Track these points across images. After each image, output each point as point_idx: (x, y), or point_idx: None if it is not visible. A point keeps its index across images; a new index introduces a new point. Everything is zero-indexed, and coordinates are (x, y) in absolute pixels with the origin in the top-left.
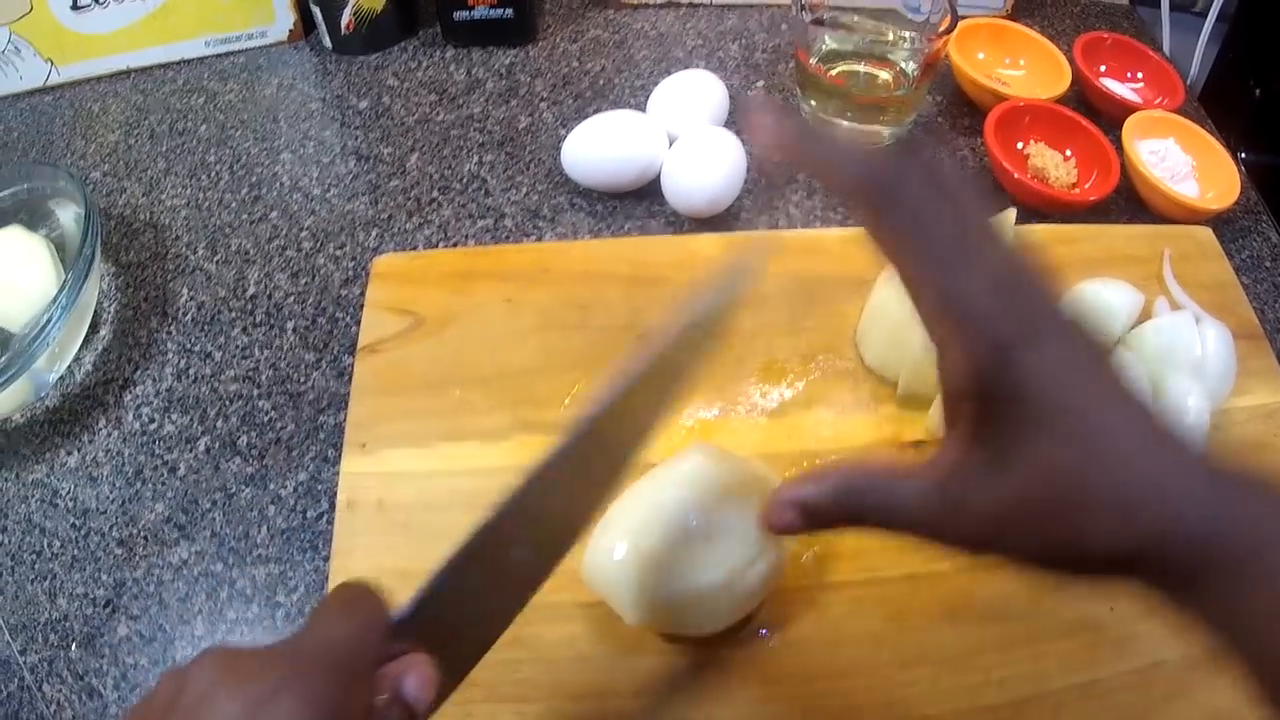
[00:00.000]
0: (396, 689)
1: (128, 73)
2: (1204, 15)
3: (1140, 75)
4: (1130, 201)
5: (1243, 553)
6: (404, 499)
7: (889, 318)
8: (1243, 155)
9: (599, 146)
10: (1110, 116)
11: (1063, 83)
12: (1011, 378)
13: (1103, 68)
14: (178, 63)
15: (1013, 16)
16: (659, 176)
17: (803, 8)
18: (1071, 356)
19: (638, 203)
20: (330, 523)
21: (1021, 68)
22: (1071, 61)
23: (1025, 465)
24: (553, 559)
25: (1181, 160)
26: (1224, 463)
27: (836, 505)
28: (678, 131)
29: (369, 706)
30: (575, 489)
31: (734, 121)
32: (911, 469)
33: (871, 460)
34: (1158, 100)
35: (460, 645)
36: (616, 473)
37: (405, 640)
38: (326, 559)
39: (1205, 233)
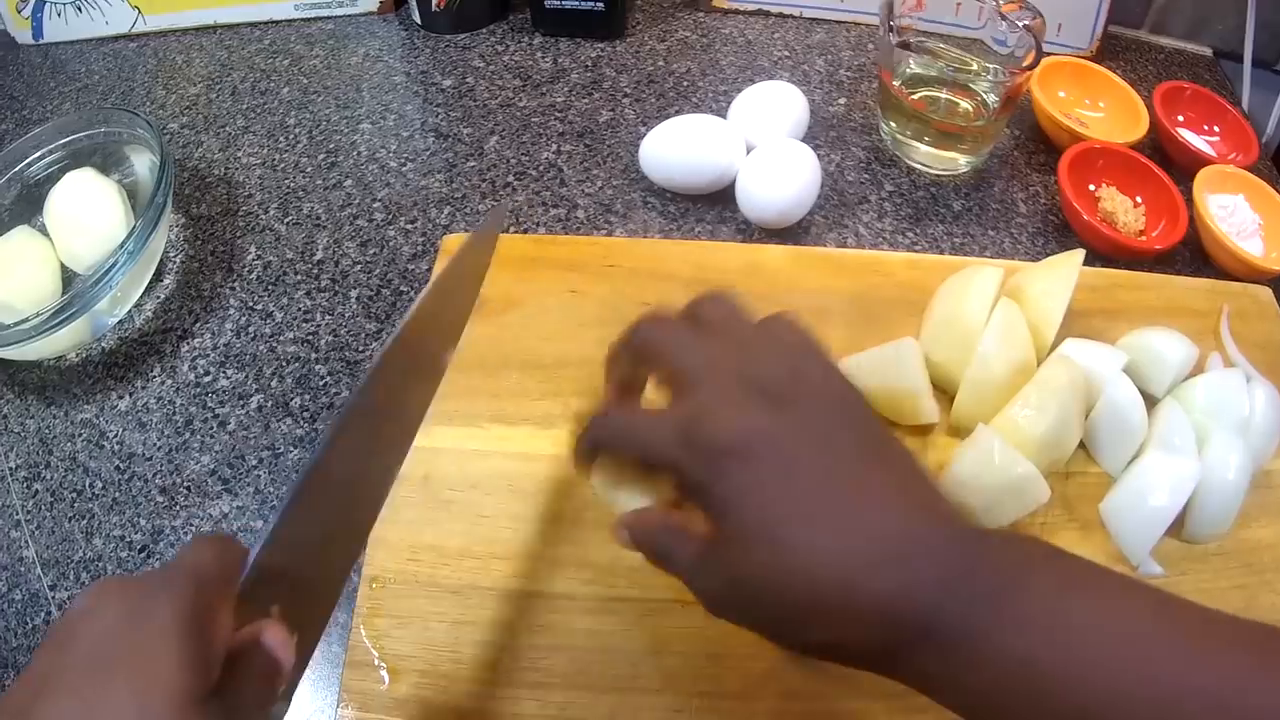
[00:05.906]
0: (256, 634)
1: (214, 27)
2: None
3: (1217, 129)
4: (1195, 254)
5: (946, 633)
6: (450, 476)
7: (950, 327)
8: None
9: (677, 147)
10: (1183, 167)
11: (1140, 129)
12: (711, 505)
13: (1180, 118)
14: (265, 23)
15: (1097, 58)
16: (734, 183)
17: (891, 29)
18: (755, 479)
19: (710, 207)
20: None
21: (1101, 110)
22: (1150, 109)
23: (727, 568)
24: (376, 502)
25: (1249, 218)
26: (938, 538)
27: (645, 541)
28: (756, 141)
29: (230, 629)
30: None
31: (813, 136)
32: (693, 532)
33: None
34: (1232, 155)
35: (309, 597)
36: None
37: (258, 598)
38: None
39: (1265, 292)
